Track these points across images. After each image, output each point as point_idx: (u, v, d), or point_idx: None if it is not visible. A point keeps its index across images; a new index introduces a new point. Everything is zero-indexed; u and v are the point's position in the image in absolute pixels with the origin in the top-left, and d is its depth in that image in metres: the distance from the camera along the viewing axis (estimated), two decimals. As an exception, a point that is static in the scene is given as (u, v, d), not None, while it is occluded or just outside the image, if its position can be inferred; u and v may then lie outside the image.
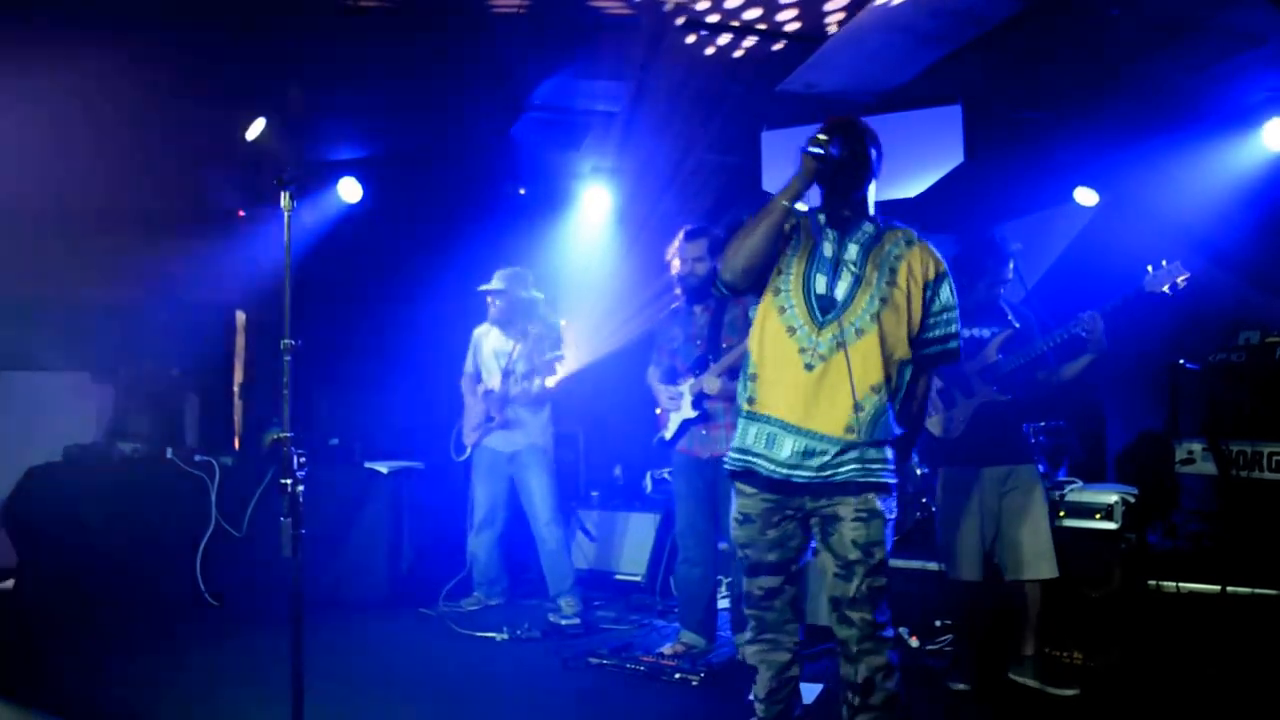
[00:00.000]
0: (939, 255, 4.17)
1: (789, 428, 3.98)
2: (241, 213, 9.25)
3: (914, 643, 6.66)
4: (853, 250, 4.10)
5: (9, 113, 7.34)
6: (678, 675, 5.91)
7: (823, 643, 6.58)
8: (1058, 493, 6.47)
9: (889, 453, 3.96)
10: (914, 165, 7.66)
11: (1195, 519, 6.87)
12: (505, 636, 6.82)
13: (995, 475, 5.86)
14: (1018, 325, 5.96)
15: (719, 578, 7.02)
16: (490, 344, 7.62)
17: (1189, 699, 5.62)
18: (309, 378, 7.16)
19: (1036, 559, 5.75)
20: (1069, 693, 5.62)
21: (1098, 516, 6.31)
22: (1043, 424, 7.59)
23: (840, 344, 3.92)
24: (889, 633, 3.97)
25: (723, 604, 7.03)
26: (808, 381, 3.96)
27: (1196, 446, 6.88)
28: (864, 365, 3.92)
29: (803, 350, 3.99)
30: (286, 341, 4.38)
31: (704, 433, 6.39)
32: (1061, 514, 6.37)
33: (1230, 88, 7.12)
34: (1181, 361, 7.01)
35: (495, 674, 6.15)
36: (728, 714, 5.49)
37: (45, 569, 7.46)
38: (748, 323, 6.26)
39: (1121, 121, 7.84)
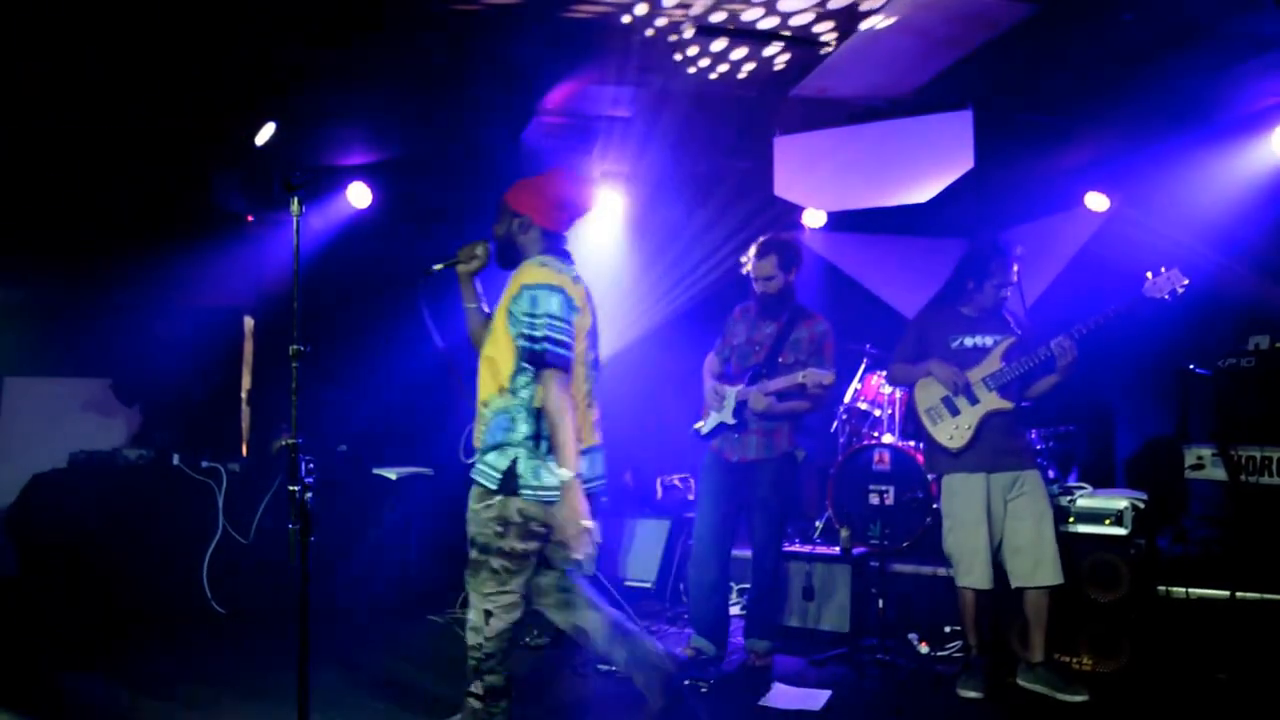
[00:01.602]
0: (531, 272, 4.64)
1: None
2: (250, 218, 9.26)
3: (924, 649, 6.66)
4: None
5: (17, 117, 7.38)
6: (687, 682, 5.89)
7: (833, 648, 6.61)
8: (1067, 498, 6.46)
9: (494, 458, 4.52)
10: (925, 170, 7.65)
11: (1205, 524, 6.87)
12: (514, 643, 6.80)
13: (1002, 481, 5.85)
14: (1019, 333, 5.97)
15: (731, 584, 7.01)
16: None
17: (1199, 704, 5.61)
18: (317, 384, 7.17)
19: (1041, 565, 5.74)
20: (1079, 698, 5.59)
21: (1108, 522, 6.31)
22: (1052, 429, 7.59)
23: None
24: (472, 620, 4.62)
25: (734, 610, 7.02)
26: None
27: (1206, 452, 6.88)
28: (480, 388, 4.68)
29: None
30: (295, 347, 4.38)
31: (736, 437, 6.40)
32: (1071, 519, 6.37)
33: (1241, 92, 7.11)
34: (1191, 367, 7.01)
35: (504, 680, 6.13)
36: (737, 720, 5.51)
37: (51, 576, 7.45)
38: (813, 344, 6.29)
39: (1133, 126, 7.83)
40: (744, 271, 6.51)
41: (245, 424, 8.67)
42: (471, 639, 4.58)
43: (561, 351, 4.48)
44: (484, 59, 6.81)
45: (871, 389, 8.59)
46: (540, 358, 4.45)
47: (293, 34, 6.34)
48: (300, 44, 6.50)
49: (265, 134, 7.62)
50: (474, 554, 4.56)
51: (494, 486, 4.48)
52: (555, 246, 4.82)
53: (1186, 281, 5.56)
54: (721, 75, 7.06)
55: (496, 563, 4.53)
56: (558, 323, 4.49)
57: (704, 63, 6.86)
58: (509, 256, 4.86)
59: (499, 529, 4.51)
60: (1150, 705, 5.66)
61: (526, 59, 6.85)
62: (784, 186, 8.10)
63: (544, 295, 4.51)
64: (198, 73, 6.81)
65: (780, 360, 6.30)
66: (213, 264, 8.69)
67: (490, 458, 4.52)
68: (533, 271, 4.62)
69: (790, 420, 6.36)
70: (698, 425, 6.59)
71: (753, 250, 6.44)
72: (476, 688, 4.60)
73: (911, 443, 7.87)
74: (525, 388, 4.52)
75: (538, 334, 4.45)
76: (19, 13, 5.88)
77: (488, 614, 4.55)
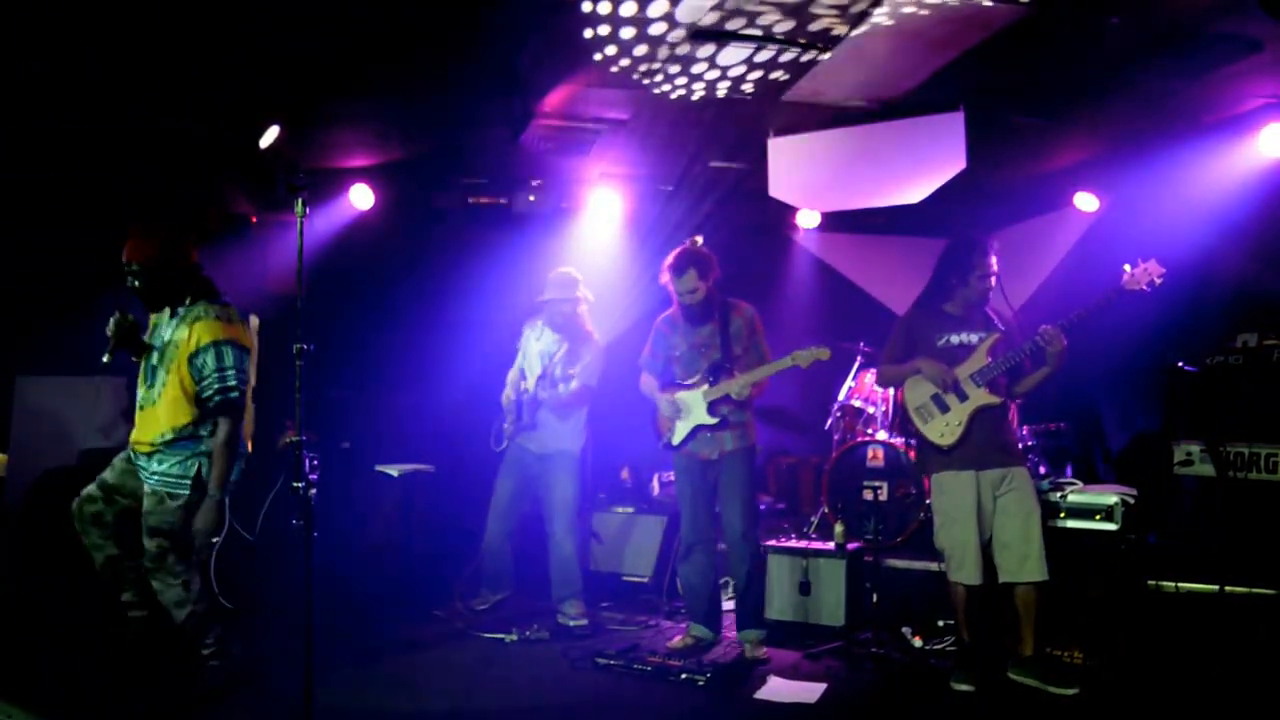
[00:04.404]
0: (215, 327, 5.62)
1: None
2: (254, 219, 9.34)
3: (917, 642, 6.73)
4: (156, 356, 5.76)
5: (18, 117, 7.44)
6: (684, 675, 5.97)
7: (828, 642, 6.69)
8: (1058, 494, 6.53)
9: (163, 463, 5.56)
10: (918, 171, 7.71)
11: (1193, 520, 6.93)
12: (514, 637, 6.88)
13: (991, 478, 5.92)
14: (1004, 330, 6.04)
15: (723, 579, 7.09)
16: (540, 344, 7.59)
17: (1188, 697, 5.68)
18: (321, 381, 7.23)
19: (1028, 561, 5.80)
20: (1069, 692, 5.66)
21: (1098, 518, 6.38)
22: (1043, 427, 7.66)
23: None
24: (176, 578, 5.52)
25: (726, 605, 7.09)
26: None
27: (1195, 448, 6.94)
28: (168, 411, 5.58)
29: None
30: (299, 345, 4.47)
31: (709, 435, 6.51)
32: (1062, 515, 6.44)
33: (1228, 94, 7.17)
34: (1180, 364, 7.08)
35: (504, 674, 6.21)
36: (733, 713, 5.58)
37: (58, 572, 7.51)
38: (749, 328, 6.44)
39: (1122, 128, 7.89)
40: (662, 283, 6.65)
41: (250, 421, 8.72)
42: (181, 613, 5.49)
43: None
44: (484, 64, 6.87)
45: (865, 386, 8.69)
46: None
47: (294, 37, 6.40)
48: (303, 47, 6.56)
49: (269, 136, 7.69)
50: (159, 543, 5.40)
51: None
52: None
53: (1163, 272, 5.64)
54: (704, 90, 7.17)
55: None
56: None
57: (660, 79, 7.01)
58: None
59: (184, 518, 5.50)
60: (1140, 698, 5.72)
61: (525, 63, 6.91)
62: (778, 187, 8.17)
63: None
64: (199, 74, 6.86)
65: (735, 352, 6.48)
66: (218, 264, 8.73)
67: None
68: (209, 325, 5.69)
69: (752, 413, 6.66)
70: (666, 439, 6.69)
71: (667, 265, 6.55)
72: (208, 647, 5.62)
73: (903, 440, 7.95)
74: None
75: (222, 386, 5.57)
76: (19, 13, 5.93)
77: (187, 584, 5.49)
